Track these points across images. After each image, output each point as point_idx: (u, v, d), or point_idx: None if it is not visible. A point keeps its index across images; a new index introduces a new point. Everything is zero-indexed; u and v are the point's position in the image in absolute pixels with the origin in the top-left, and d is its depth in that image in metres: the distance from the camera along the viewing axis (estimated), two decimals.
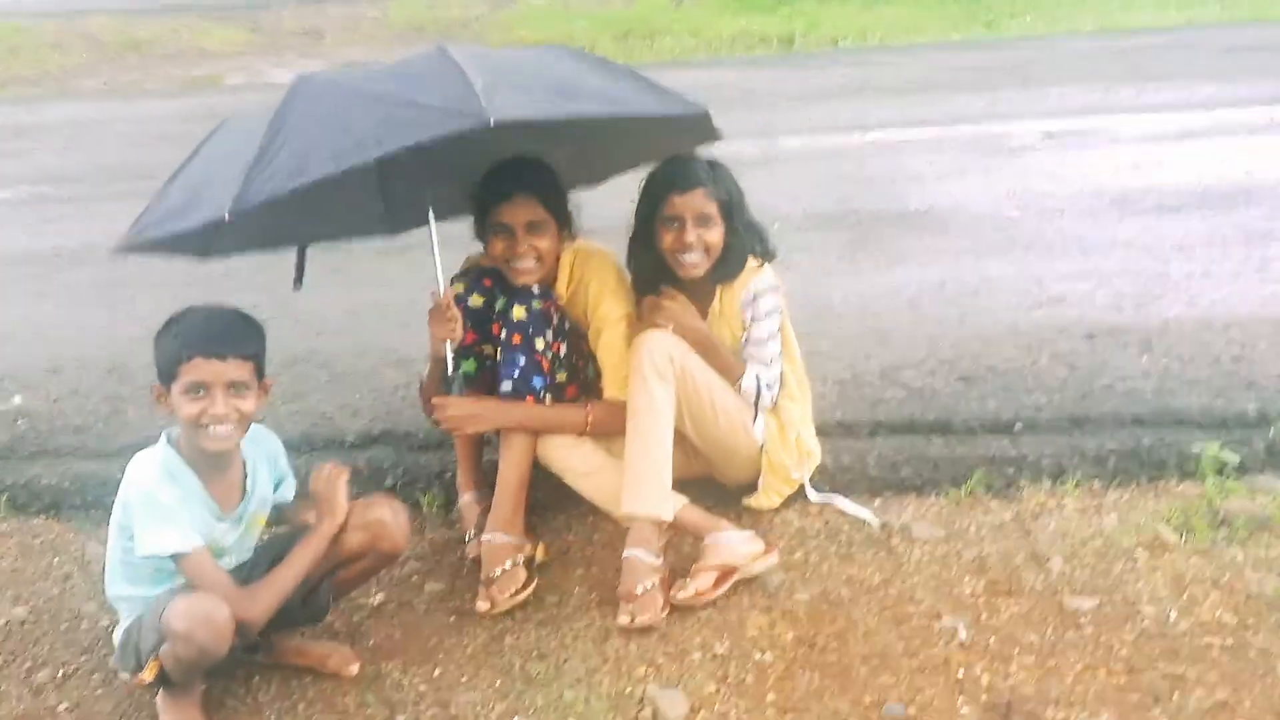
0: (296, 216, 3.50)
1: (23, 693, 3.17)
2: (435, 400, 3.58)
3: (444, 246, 3.61)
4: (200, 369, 2.81)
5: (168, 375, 2.85)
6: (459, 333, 3.54)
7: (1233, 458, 3.77)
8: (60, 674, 3.24)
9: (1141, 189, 6.91)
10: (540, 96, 3.13)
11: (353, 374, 4.93)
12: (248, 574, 3.05)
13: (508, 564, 3.45)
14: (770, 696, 3.02)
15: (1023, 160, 7.84)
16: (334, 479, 3.09)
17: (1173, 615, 3.18)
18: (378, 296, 5.92)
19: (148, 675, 2.88)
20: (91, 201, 8.16)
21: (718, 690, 3.06)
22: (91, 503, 4.03)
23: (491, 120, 2.78)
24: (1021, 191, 7.07)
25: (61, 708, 3.10)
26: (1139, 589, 3.30)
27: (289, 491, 3.25)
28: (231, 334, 2.88)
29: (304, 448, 4.21)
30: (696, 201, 3.50)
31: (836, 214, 6.82)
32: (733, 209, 3.56)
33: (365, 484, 4.02)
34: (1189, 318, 4.93)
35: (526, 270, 3.60)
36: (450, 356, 3.55)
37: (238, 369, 2.85)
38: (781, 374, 3.67)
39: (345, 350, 5.21)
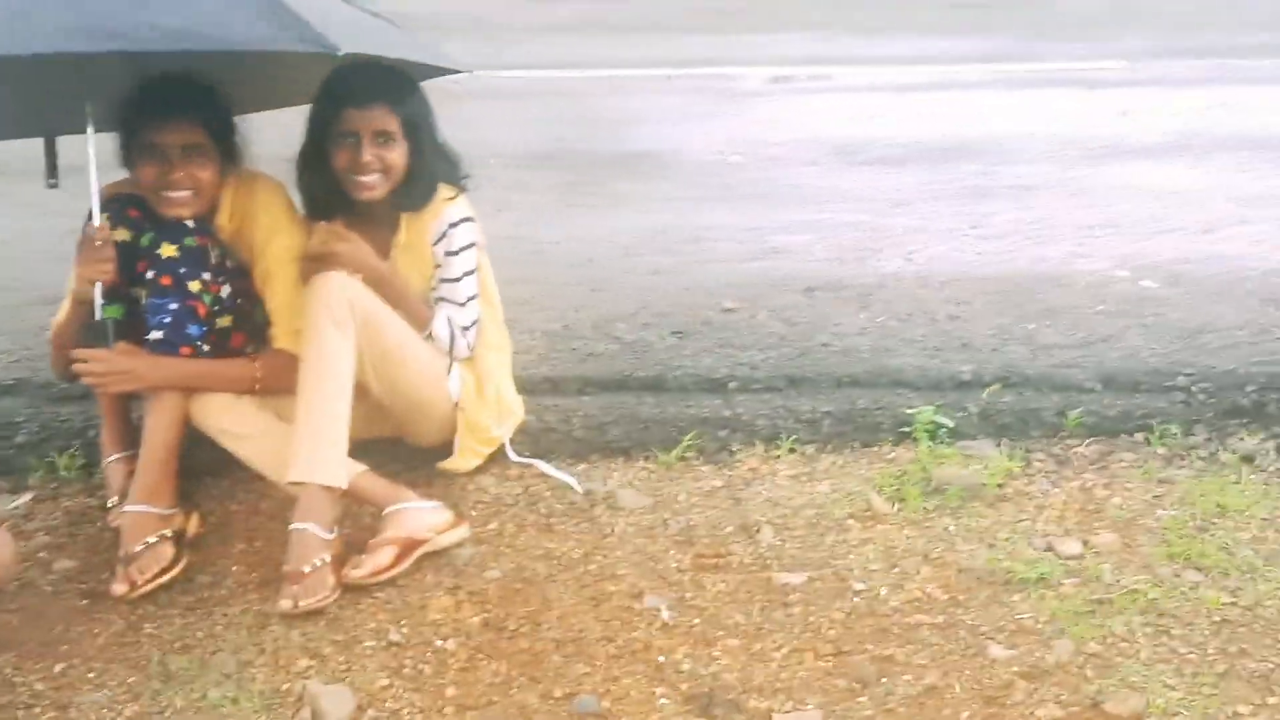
0: None
1: None
2: (77, 352, 3.03)
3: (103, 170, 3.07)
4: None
5: None
6: (112, 272, 3.01)
7: (946, 422, 3.62)
8: None
9: (863, 140, 6.86)
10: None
11: None
12: None
13: (151, 539, 2.98)
14: (450, 691, 2.67)
15: (747, 107, 7.73)
16: None
17: (883, 591, 2.98)
18: (31, 225, 5.23)
19: None
20: None
21: (390, 684, 2.68)
22: None
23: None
24: (744, 138, 6.91)
25: None
26: (850, 562, 3.10)
27: None
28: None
29: None
30: (375, 116, 3.09)
31: (554, 153, 6.50)
32: (419, 128, 3.17)
33: None
34: (908, 273, 4.83)
35: (180, 202, 3.09)
36: (99, 300, 3.02)
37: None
38: (480, 320, 3.30)
39: None
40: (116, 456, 3.27)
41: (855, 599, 2.96)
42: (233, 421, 3.14)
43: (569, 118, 7.27)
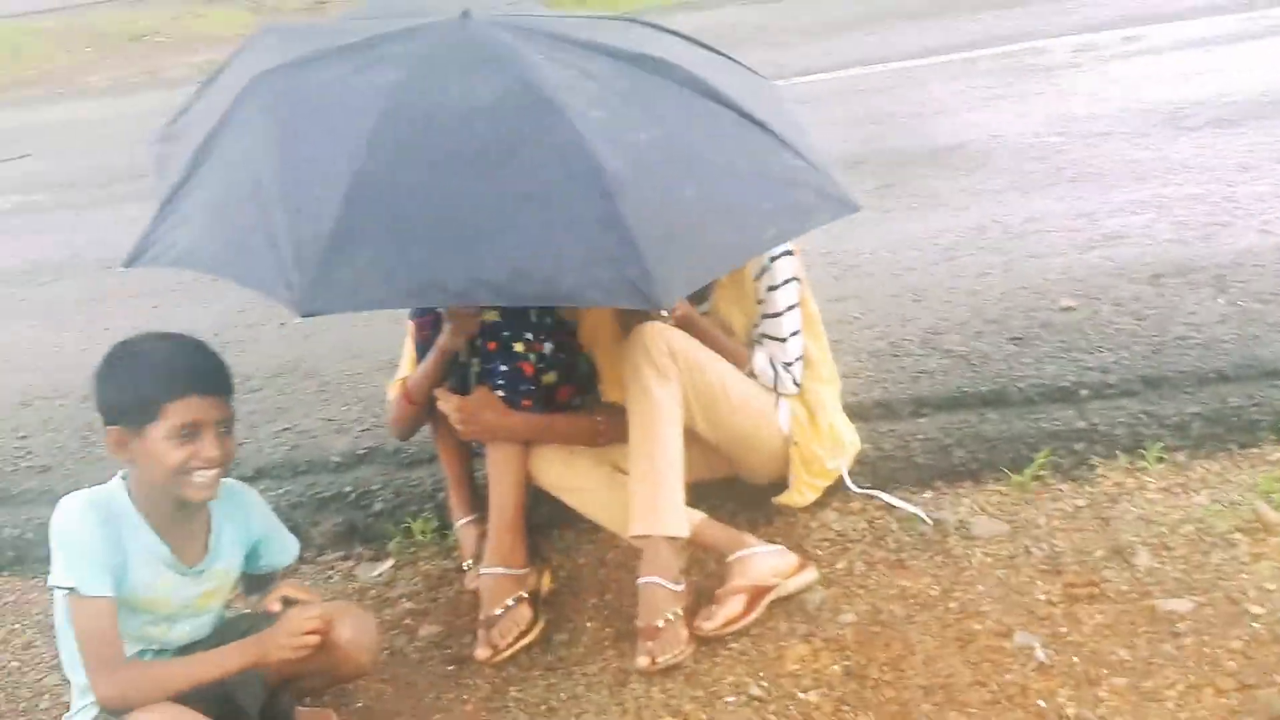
0: None
1: None
2: (441, 391, 3.11)
3: None
4: (194, 408, 2.41)
5: (143, 414, 2.40)
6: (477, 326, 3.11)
7: None
8: None
9: (1193, 102, 6.32)
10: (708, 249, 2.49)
11: (343, 382, 4.48)
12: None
13: (509, 602, 3.01)
14: None
15: (1058, 81, 7.24)
16: (300, 622, 2.49)
17: None
18: None
19: None
20: (84, 208, 7.73)
21: None
22: None
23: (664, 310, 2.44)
24: (1061, 115, 6.49)
25: None
26: (1242, 583, 2.80)
27: (284, 555, 2.84)
28: (221, 366, 2.50)
29: (286, 474, 3.82)
30: None
31: (861, 156, 6.26)
32: None
33: (351, 510, 3.60)
34: (1265, 248, 4.38)
35: None
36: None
37: (226, 406, 2.49)
38: (806, 355, 3.19)
39: (335, 355, 4.76)
40: (466, 520, 3.34)
41: (1254, 625, 2.68)
42: (572, 476, 3.15)
43: (871, 117, 7.03)
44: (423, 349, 3.24)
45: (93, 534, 2.40)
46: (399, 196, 2.32)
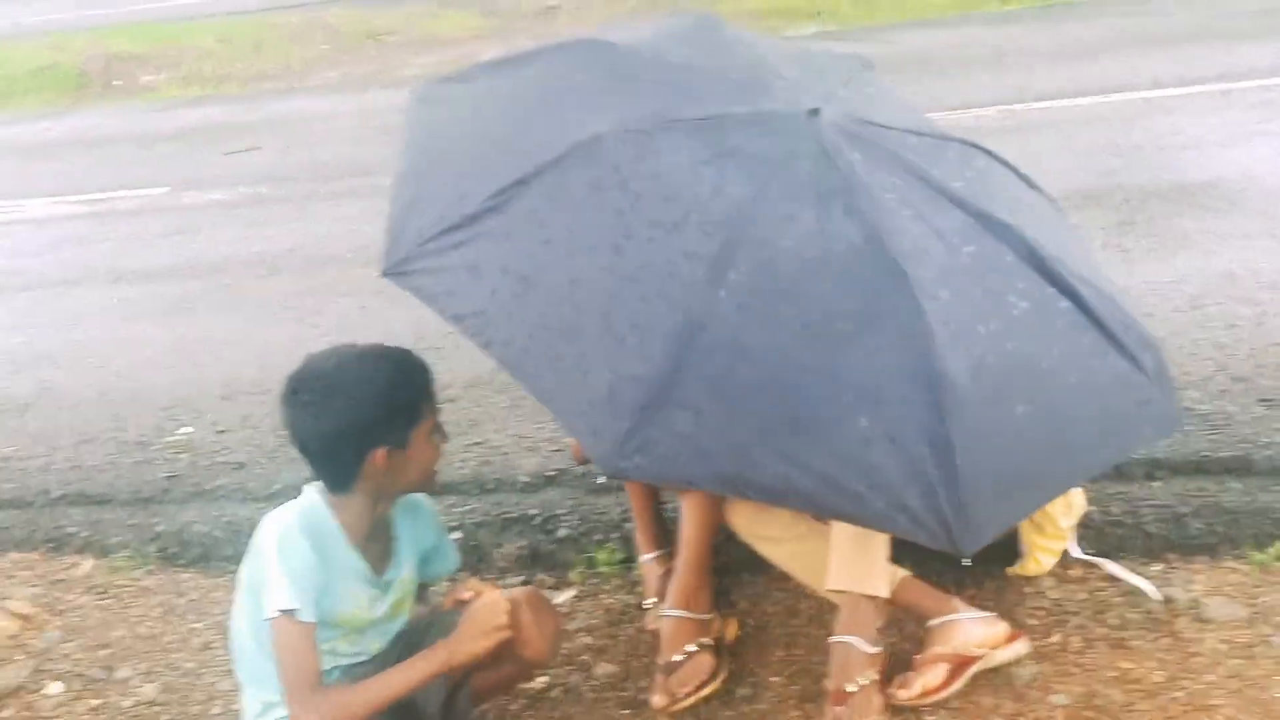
0: None
1: None
2: None
3: None
4: (433, 402, 2.53)
5: (409, 419, 2.44)
6: None
7: None
8: None
9: None
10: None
11: (529, 400, 4.38)
12: (378, 668, 2.56)
13: (690, 648, 2.85)
14: None
15: None
16: (491, 611, 2.45)
17: None
18: None
19: None
20: (304, 202, 7.91)
21: None
22: (243, 554, 3.62)
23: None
24: None
25: None
26: None
27: (447, 564, 2.82)
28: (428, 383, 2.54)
29: (473, 491, 3.74)
30: None
31: (1100, 190, 5.87)
32: None
33: (536, 533, 3.51)
34: None
35: None
36: None
37: None
38: None
39: None
40: (650, 556, 3.19)
41: None
42: (768, 525, 2.96)
43: (1114, 147, 6.61)
44: None
45: (307, 558, 2.37)
46: (732, 358, 2.14)
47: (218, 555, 3.68)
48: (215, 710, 3.02)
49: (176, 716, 3.01)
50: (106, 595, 3.53)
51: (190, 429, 4.49)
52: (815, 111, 2.42)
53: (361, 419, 2.37)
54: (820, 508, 2.25)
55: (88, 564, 3.69)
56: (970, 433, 2.10)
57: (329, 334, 5.43)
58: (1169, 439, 3.12)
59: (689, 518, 2.95)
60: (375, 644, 2.57)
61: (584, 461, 3.24)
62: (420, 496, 2.69)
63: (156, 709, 3.04)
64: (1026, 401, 2.22)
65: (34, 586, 3.60)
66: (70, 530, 3.87)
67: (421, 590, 2.77)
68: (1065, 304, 2.33)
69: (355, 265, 6.41)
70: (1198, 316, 4.30)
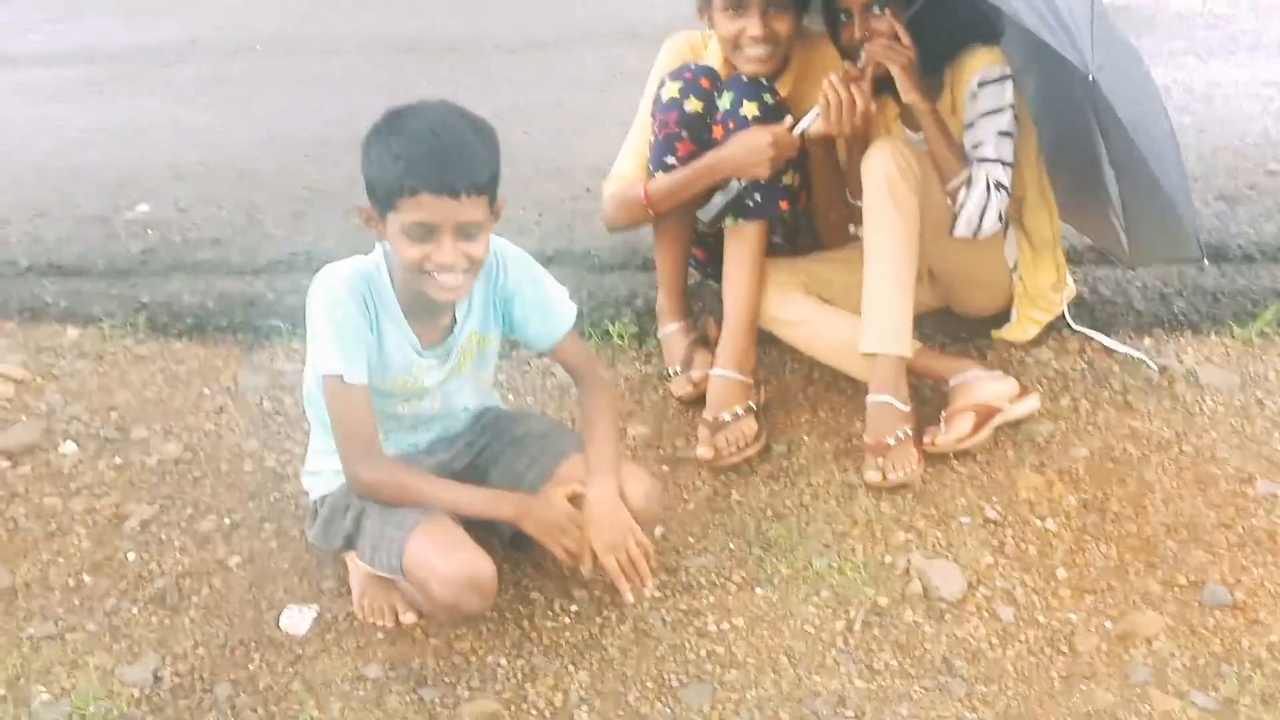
0: None
1: (186, 543, 2.74)
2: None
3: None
4: (427, 207, 2.19)
5: (383, 201, 2.23)
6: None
7: None
8: (227, 522, 2.81)
9: None
10: None
11: (508, 184, 4.33)
12: (448, 448, 2.61)
13: (738, 410, 2.96)
14: (1061, 572, 2.55)
15: None
16: (565, 531, 2.37)
17: None
18: (518, 99, 5.36)
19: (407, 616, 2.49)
20: None
21: (995, 563, 2.59)
22: (239, 325, 3.60)
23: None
24: None
25: (233, 561, 2.68)
26: None
27: (552, 327, 2.55)
28: (468, 161, 2.20)
29: None
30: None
31: None
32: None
33: None
34: None
35: (758, 58, 2.99)
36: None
37: (472, 208, 2.22)
38: (1028, 186, 3.08)
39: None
40: (677, 325, 3.27)
41: None
42: (785, 310, 3.08)
43: None
44: (663, 146, 3.11)
45: (353, 319, 2.31)
46: None
47: (212, 326, 3.62)
48: (247, 467, 3.01)
49: (207, 473, 2.99)
50: (102, 362, 3.44)
51: (147, 206, 4.35)
52: None
53: (363, 165, 2.25)
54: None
55: (74, 332, 3.58)
56: None
57: (269, 122, 5.31)
58: None
59: (733, 285, 3.04)
60: (436, 405, 2.54)
61: (620, 230, 3.30)
62: (504, 245, 2.55)
63: (184, 466, 3.02)
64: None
65: (18, 354, 3.49)
66: (47, 300, 3.74)
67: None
68: None
69: (266, 57, 6.23)
70: None
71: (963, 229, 2.87)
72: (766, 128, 2.90)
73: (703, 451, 2.94)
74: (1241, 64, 5.08)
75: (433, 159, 2.18)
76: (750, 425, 2.97)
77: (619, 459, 2.47)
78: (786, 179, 3.03)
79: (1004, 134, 2.93)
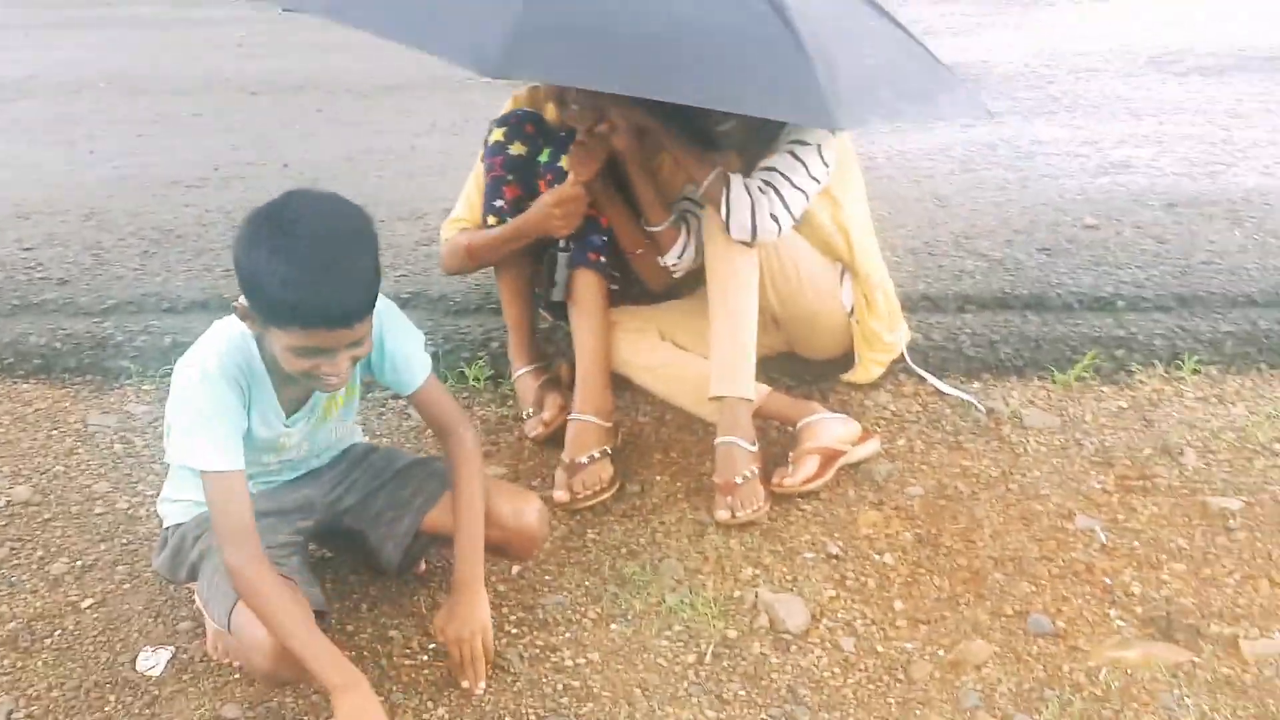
0: None
1: (38, 585, 2.72)
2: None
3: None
4: (319, 338, 2.14)
5: (268, 318, 2.14)
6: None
7: None
8: (79, 564, 2.79)
9: (1177, 49, 6.53)
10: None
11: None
12: (314, 483, 2.60)
13: (595, 453, 3.06)
14: (898, 604, 2.69)
15: (1038, 15, 7.40)
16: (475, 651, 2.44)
17: None
18: (371, 143, 5.41)
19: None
20: (51, 27, 7.43)
21: (837, 596, 2.72)
22: (88, 366, 3.57)
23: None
24: (1050, 50, 6.65)
25: (86, 604, 2.66)
26: None
27: (413, 374, 2.49)
28: (359, 288, 2.13)
29: None
30: None
31: None
32: None
33: None
34: (1272, 189, 4.59)
35: (574, 115, 3.09)
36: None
37: (363, 326, 2.17)
38: (857, 234, 3.25)
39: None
40: (526, 369, 3.36)
41: None
42: (639, 355, 3.22)
43: None
44: (491, 189, 3.23)
45: (229, 406, 2.26)
46: None
47: (60, 367, 3.59)
48: (98, 509, 2.99)
49: (58, 514, 2.97)
50: None
51: None
52: None
53: (244, 270, 2.13)
54: (710, 99, 2.58)
55: None
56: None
57: (116, 161, 5.24)
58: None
59: (584, 325, 3.15)
60: (301, 451, 2.54)
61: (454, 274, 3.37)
62: (383, 303, 2.38)
63: (33, 509, 2.99)
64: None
65: None
66: None
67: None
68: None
69: (113, 94, 6.14)
70: (971, 179, 4.80)
71: (736, 231, 2.96)
72: (555, 189, 3.05)
73: (559, 495, 3.02)
74: (1062, 124, 5.41)
75: (324, 293, 2.08)
76: (606, 469, 3.07)
77: (482, 541, 2.49)
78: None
79: (794, 157, 3.02)
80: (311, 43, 7.28)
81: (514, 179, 3.21)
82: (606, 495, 3.05)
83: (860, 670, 2.52)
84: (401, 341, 2.49)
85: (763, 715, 2.40)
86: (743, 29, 2.53)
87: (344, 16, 2.59)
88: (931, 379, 3.44)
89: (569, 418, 3.12)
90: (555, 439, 3.16)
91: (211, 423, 2.25)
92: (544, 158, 3.20)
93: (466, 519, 2.47)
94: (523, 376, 3.37)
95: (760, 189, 2.96)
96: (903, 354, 3.43)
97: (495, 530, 2.53)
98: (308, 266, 2.06)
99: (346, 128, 5.62)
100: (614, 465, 3.09)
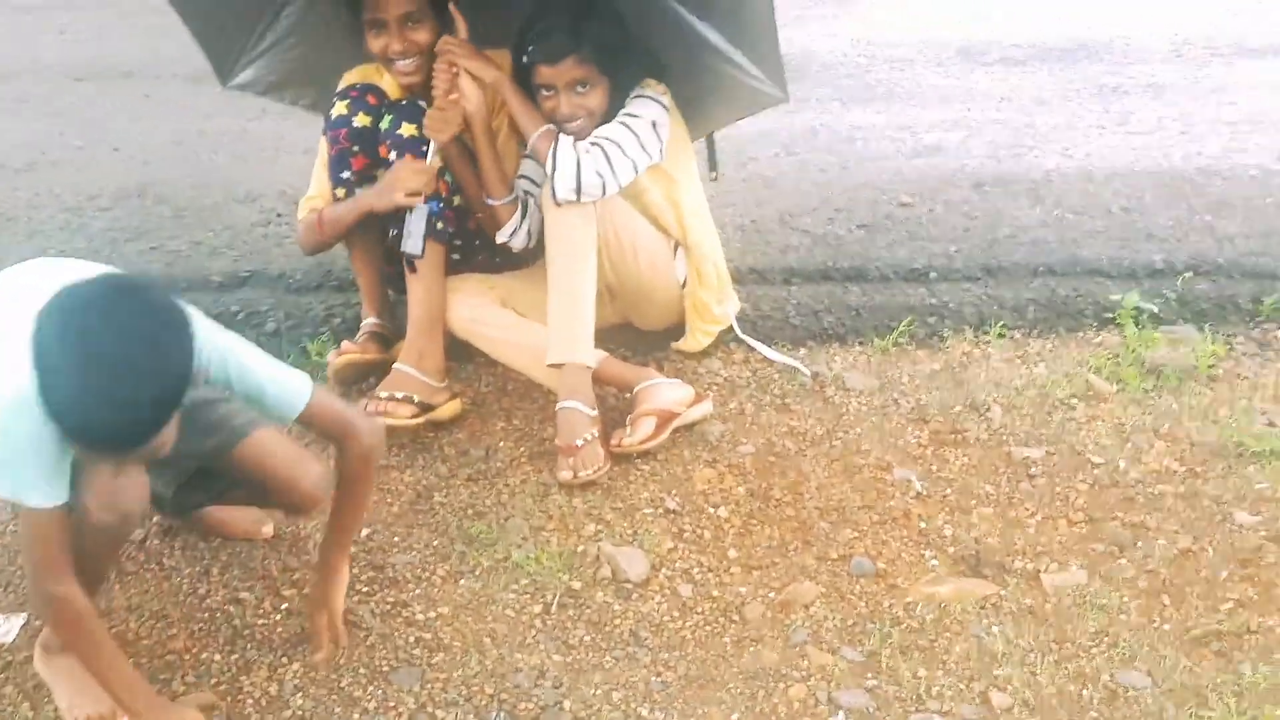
0: None
1: None
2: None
3: None
4: (98, 459, 2.08)
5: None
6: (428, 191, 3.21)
7: (1150, 308, 3.77)
8: None
9: (983, 41, 6.87)
10: None
11: (197, 209, 4.45)
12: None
13: (399, 395, 3.19)
14: (732, 553, 2.86)
15: (853, 7, 7.70)
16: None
17: (1122, 464, 3.15)
18: (202, 126, 5.38)
19: None
20: None
21: (675, 547, 2.88)
22: None
23: None
24: (865, 40, 6.94)
25: None
26: (1083, 438, 3.25)
27: (284, 406, 2.32)
28: (144, 425, 1.90)
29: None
30: (567, 70, 3.14)
31: None
32: (616, 59, 3.19)
33: (243, 328, 3.62)
34: (1070, 169, 4.92)
35: (405, 70, 3.23)
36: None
37: (149, 448, 1.95)
38: (689, 204, 3.43)
39: (182, 184, 4.70)
40: (373, 319, 3.48)
41: (1095, 471, 3.13)
42: (481, 323, 3.33)
43: None
44: (337, 162, 3.30)
45: (43, 438, 2.00)
46: None
47: None
48: None
49: None
50: None
51: None
52: None
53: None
54: None
55: None
56: None
57: None
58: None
59: (417, 293, 3.26)
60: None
61: (313, 253, 3.46)
62: (222, 351, 2.24)
63: None
64: None
65: None
66: None
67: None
68: None
69: None
70: (794, 161, 5.03)
71: (561, 189, 3.07)
72: (404, 161, 3.16)
73: (369, 407, 3.16)
74: (879, 110, 5.68)
75: (108, 427, 1.89)
76: (407, 408, 3.19)
77: (352, 535, 2.62)
78: (459, 199, 3.32)
79: (625, 127, 3.16)
80: (137, 28, 7.15)
81: (360, 150, 3.30)
82: (403, 423, 3.18)
83: (698, 614, 2.68)
84: (255, 383, 2.29)
85: (607, 657, 2.55)
86: None
87: None
88: (760, 347, 3.62)
89: (396, 365, 3.24)
90: (358, 371, 3.36)
91: (27, 456, 2.04)
92: (385, 124, 3.27)
93: (347, 511, 2.52)
94: (368, 324, 3.47)
95: (587, 150, 3.09)
96: (732, 324, 3.61)
97: (277, 492, 2.56)
98: (96, 389, 1.84)
99: (176, 112, 5.56)
100: (419, 414, 3.21)
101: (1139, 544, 2.88)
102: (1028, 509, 3.00)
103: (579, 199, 3.09)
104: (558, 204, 3.10)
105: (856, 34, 7.05)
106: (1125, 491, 3.05)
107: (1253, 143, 5.19)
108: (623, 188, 3.16)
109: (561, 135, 3.09)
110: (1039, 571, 2.79)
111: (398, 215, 3.24)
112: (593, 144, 3.11)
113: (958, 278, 4.01)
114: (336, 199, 3.32)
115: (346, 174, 3.29)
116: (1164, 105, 5.71)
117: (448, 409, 3.31)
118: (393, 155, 3.23)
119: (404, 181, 3.16)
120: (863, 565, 2.82)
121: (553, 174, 3.07)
